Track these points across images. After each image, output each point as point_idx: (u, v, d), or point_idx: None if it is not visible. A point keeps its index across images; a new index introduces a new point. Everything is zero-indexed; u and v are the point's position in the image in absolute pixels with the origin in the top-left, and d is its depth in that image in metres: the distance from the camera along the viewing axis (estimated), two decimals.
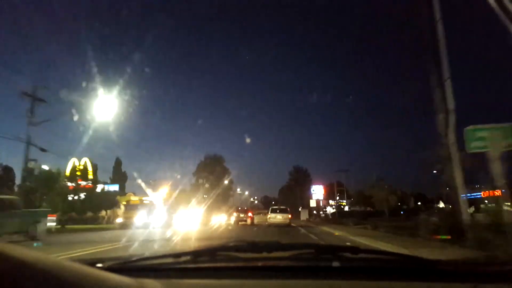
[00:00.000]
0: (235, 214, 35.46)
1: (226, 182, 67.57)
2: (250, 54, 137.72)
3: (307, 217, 58.83)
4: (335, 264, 1.33)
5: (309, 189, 68.61)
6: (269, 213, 26.49)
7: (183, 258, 1.43)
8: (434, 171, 15.80)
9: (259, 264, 1.40)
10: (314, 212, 60.28)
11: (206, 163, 76.98)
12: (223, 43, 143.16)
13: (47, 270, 0.59)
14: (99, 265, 1.29)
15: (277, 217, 25.28)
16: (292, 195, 77.61)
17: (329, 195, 60.66)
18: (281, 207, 28.49)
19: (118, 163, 63.25)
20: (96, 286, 0.65)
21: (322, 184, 56.63)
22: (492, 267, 1.33)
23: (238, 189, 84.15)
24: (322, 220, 47.70)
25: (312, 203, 50.83)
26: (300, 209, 66.50)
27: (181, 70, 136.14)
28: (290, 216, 25.91)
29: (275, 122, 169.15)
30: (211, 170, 70.21)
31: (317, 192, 54.47)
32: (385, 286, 1.23)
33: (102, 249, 10.24)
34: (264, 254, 1.42)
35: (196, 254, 1.46)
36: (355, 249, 1.43)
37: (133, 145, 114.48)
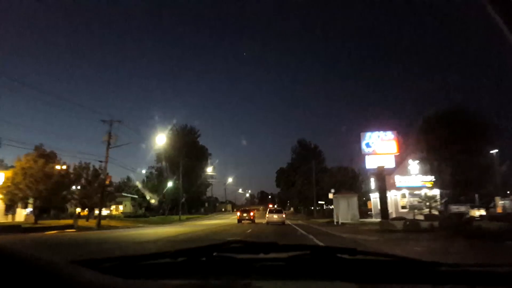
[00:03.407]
0: (238, 213, 39.18)
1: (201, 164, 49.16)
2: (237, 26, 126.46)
3: (356, 214, 30.29)
4: (332, 265, 1.34)
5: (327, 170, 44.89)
6: (267, 213, 33.42)
7: (180, 259, 1.43)
8: None
9: (256, 265, 1.40)
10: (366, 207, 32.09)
11: (172, 138, 50.86)
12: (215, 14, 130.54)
13: (37, 269, 0.60)
14: (94, 266, 1.27)
15: (273, 217, 32.00)
16: (298, 178, 56.90)
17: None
18: (277, 208, 37.52)
19: None
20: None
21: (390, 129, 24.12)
22: (491, 269, 1.30)
23: (209, 169, 65.19)
24: None
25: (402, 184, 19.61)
26: (331, 195, 34.66)
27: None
28: (284, 215, 32.70)
29: (271, 99, 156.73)
30: (180, 148, 47.47)
31: (381, 147, 23.51)
32: None
33: None
34: (261, 255, 1.41)
35: (193, 255, 1.47)
36: (352, 251, 1.41)
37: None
